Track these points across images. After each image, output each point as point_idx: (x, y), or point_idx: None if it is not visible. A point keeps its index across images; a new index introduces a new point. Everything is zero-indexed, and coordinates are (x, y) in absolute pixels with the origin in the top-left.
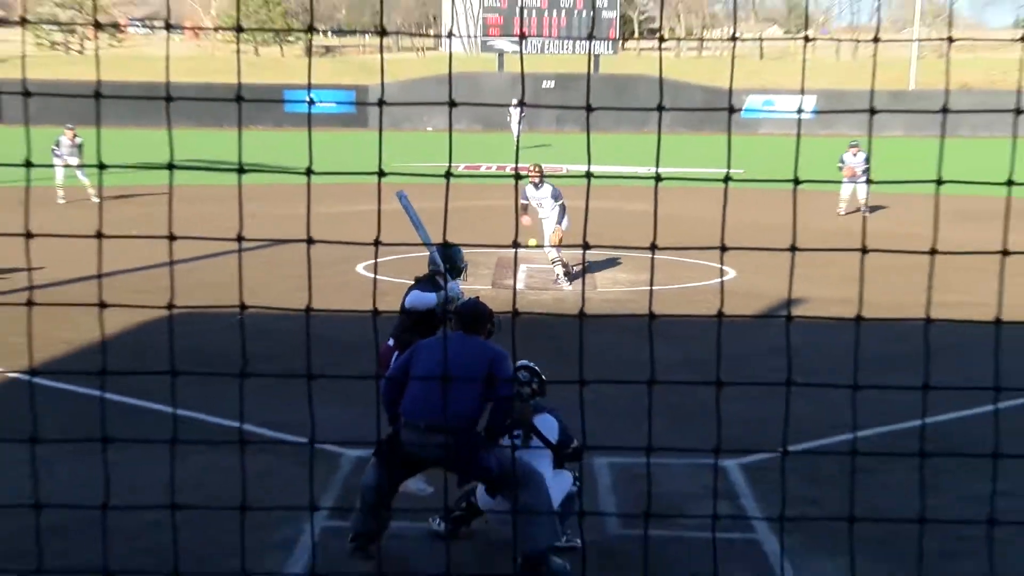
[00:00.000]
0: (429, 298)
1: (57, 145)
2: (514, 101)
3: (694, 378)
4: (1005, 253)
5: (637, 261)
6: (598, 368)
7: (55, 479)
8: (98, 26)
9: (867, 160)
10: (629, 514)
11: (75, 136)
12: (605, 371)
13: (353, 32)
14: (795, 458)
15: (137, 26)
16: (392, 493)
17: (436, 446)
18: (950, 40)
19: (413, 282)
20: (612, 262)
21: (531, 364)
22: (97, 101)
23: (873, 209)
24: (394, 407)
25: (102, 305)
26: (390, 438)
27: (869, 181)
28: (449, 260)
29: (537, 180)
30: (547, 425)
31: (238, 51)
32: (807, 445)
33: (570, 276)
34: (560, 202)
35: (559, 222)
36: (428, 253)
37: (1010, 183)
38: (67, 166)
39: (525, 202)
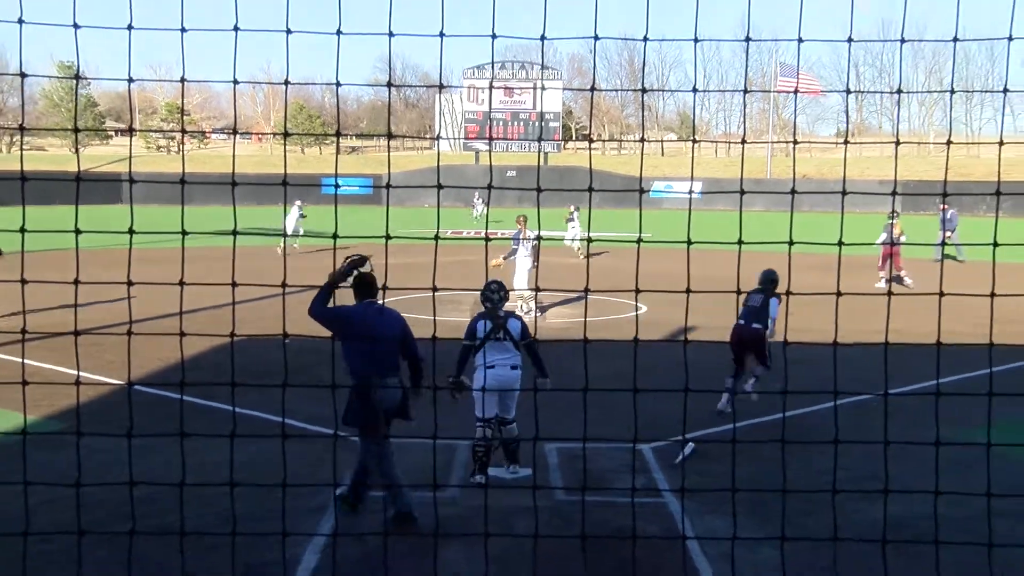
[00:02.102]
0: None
1: None
2: (476, 194)
3: (618, 386)
4: (839, 294)
5: (576, 300)
6: (555, 378)
7: (148, 462)
8: (187, 133)
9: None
10: (571, 487)
11: None
12: (555, 380)
13: (370, 136)
14: (685, 444)
15: (218, 133)
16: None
17: (392, 395)
18: (795, 142)
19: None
20: (561, 301)
21: (499, 280)
22: (182, 188)
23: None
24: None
25: (182, 334)
26: (358, 404)
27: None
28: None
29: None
30: (513, 326)
31: (284, 151)
32: (699, 433)
33: (530, 309)
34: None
35: (535, 265)
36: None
37: (840, 243)
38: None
39: (515, 246)
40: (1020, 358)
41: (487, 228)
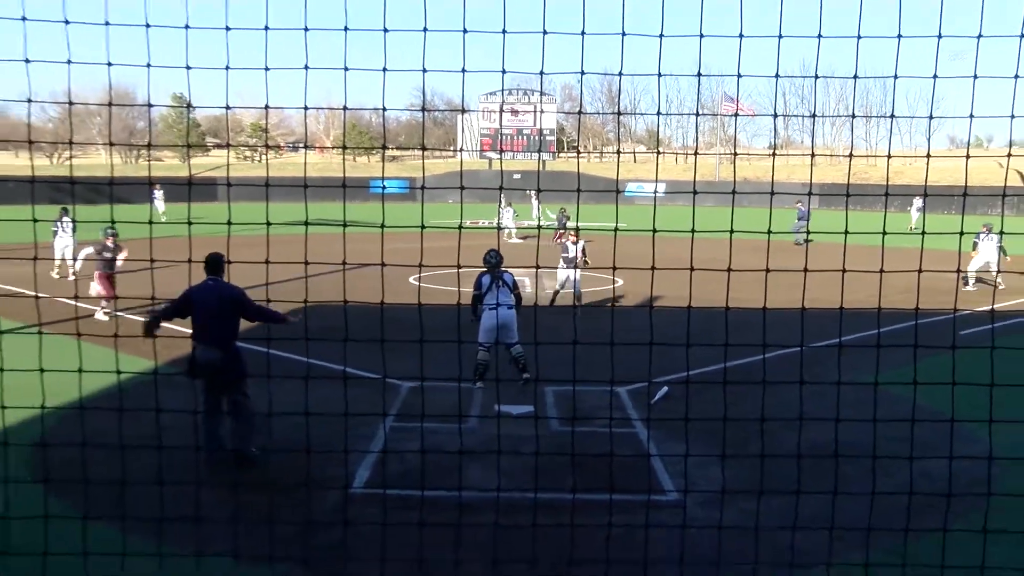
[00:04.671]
0: None
1: None
2: (503, 199)
3: (601, 340)
4: (767, 271)
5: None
6: (550, 336)
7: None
8: (268, 147)
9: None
10: (564, 417)
11: None
12: (550, 337)
13: (407, 148)
14: (656, 386)
15: (289, 147)
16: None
17: (209, 356)
18: (736, 154)
19: None
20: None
21: (495, 248)
22: (266, 189)
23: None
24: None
25: (268, 300)
26: (187, 364)
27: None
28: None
29: (575, 239)
30: (507, 278)
31: (344, 159)
32: (663, 378)
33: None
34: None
35: (583, 263)
36: None
37: (769, 232)
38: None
39: (568, 255)
40: (902, 320)
41: (540, 220)
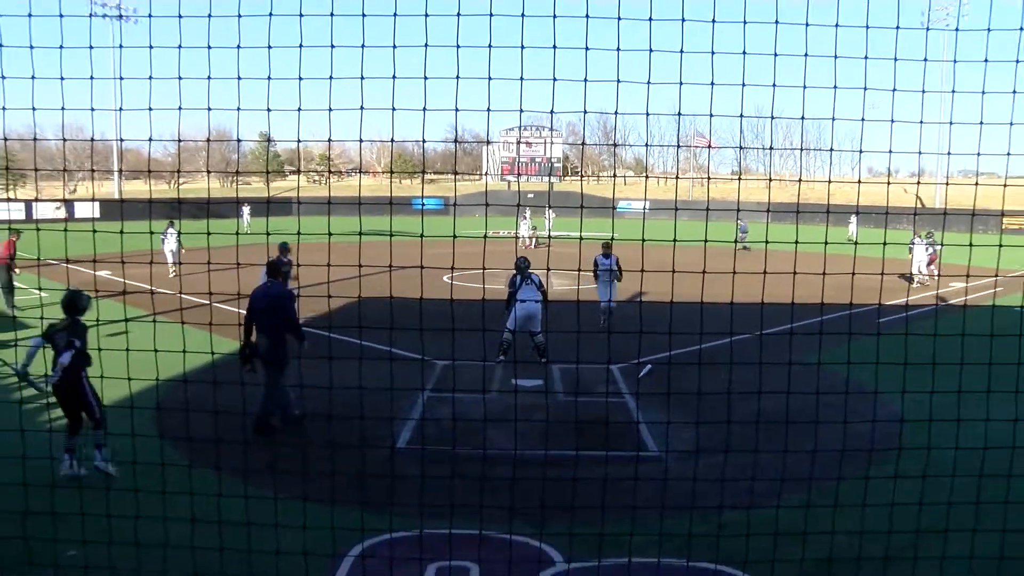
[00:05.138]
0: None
1: None
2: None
3: (598, 329)
4: (735, 273)
5: (571, 276)
6: (555, 324)
7: (308, 376)
8: (332, 172)
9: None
10: (568, 392)
11: None
12: (557, 325)
13: (443, 172)
14: (641, 365)
15: (348, 172)
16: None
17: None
18: (709, 178)
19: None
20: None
21: (525, 256)
22: (328, 206)
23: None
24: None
25: (329, 296)
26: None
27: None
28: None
29: (608, 252)
30: (534, 278)
31: (391, 182)
32: (647, 358)
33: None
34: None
35: (619, 279)
36: None
37: (736, 241)
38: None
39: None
40: (839, 310)
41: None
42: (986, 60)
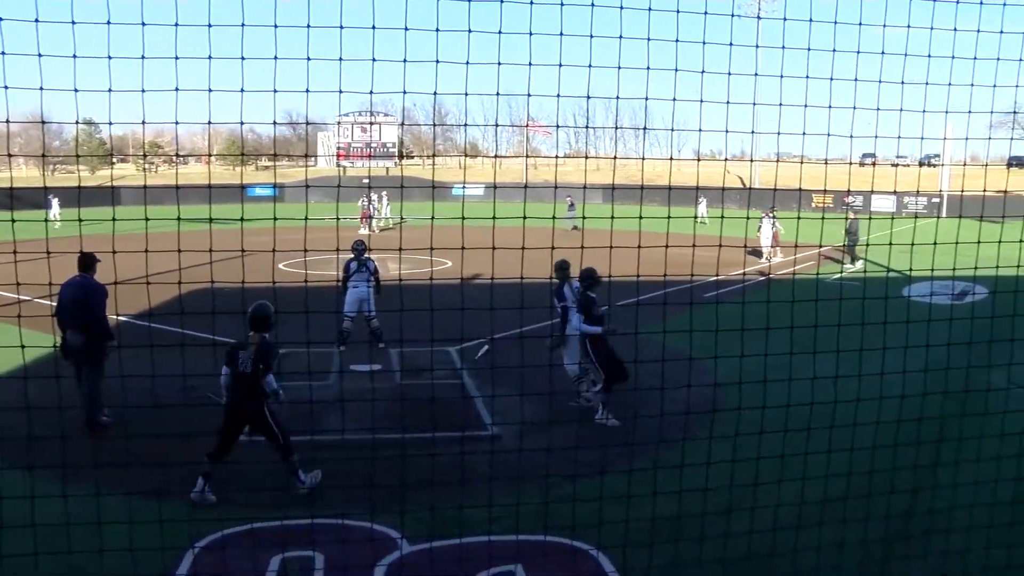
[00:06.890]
0: None
1: None
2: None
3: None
4: (552, 248)
5: (414, 260)
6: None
7: None
8: (147, 157)
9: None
10: (407, 371)
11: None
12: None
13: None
14: (480, 346)
15: (178, 159)
16: None
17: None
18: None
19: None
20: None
21: (361, 239)
22: (144, 191)
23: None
24: None
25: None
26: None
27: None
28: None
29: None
30: (368, 264)
31: (210, 168)
32: (501, 335)
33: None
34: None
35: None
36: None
37: (584, 218)
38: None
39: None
40: (681, 284)
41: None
42: (783, 47)
